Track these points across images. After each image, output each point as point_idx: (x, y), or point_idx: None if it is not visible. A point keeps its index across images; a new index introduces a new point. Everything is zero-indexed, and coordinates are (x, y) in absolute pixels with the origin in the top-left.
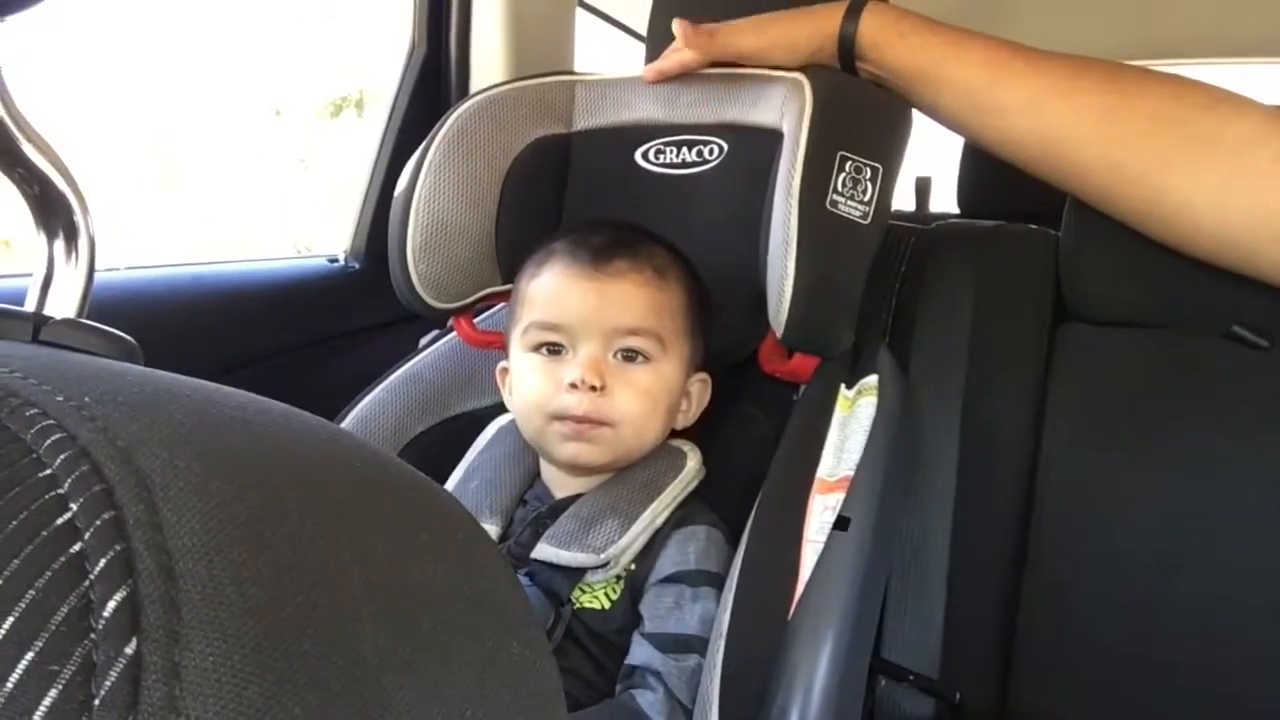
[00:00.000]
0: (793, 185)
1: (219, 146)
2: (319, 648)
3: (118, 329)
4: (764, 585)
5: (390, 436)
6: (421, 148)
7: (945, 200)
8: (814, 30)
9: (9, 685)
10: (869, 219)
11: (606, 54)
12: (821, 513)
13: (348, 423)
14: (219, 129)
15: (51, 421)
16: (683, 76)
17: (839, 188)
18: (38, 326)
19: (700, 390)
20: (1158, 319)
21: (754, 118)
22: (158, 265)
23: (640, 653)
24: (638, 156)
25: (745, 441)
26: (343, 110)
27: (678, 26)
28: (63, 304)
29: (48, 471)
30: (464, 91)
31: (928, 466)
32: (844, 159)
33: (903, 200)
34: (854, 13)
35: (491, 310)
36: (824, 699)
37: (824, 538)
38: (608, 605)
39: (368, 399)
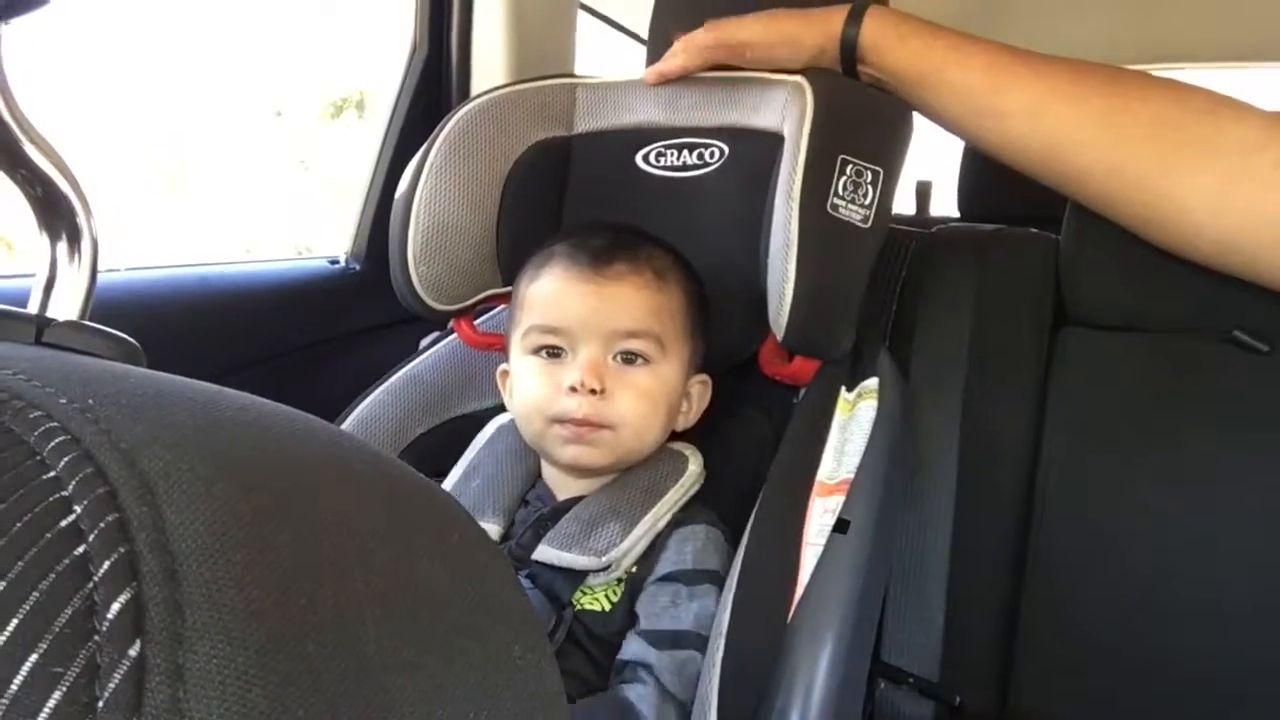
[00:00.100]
0: (794, 188)
1: (220, 148)
2: (322, 650)
3: (119, 330)
4: (764, 587)
5: (391, 438)
6: (422, 150)
7: (946, 204)
8: (818, 30)
9: (13, 687)
10: (870, 223)
11: (607, 57)
12: (821, 515)
13: (348, 424)
14: (220, 130)
15: (55, 424)
16: (684, 79)
17: (840, 191)
18: (40, 328)
19: (700, 392)
20: (1158, 323)
21: (755, 121)
22: (158, 266)
23: (632, 648)
24: (638, 159)
25: (745, 443)
26: (343, 111)
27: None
28: (65, 306)
29: (52, 474)
30: (465, 94)
31: (928, 470)
32: (845, 162)
33: (903, 204)
34: (856, 16)
35: (492, 312)
36: (824, 701)
37: (824, 540)
38: (608, 607)
39: (368, 400)
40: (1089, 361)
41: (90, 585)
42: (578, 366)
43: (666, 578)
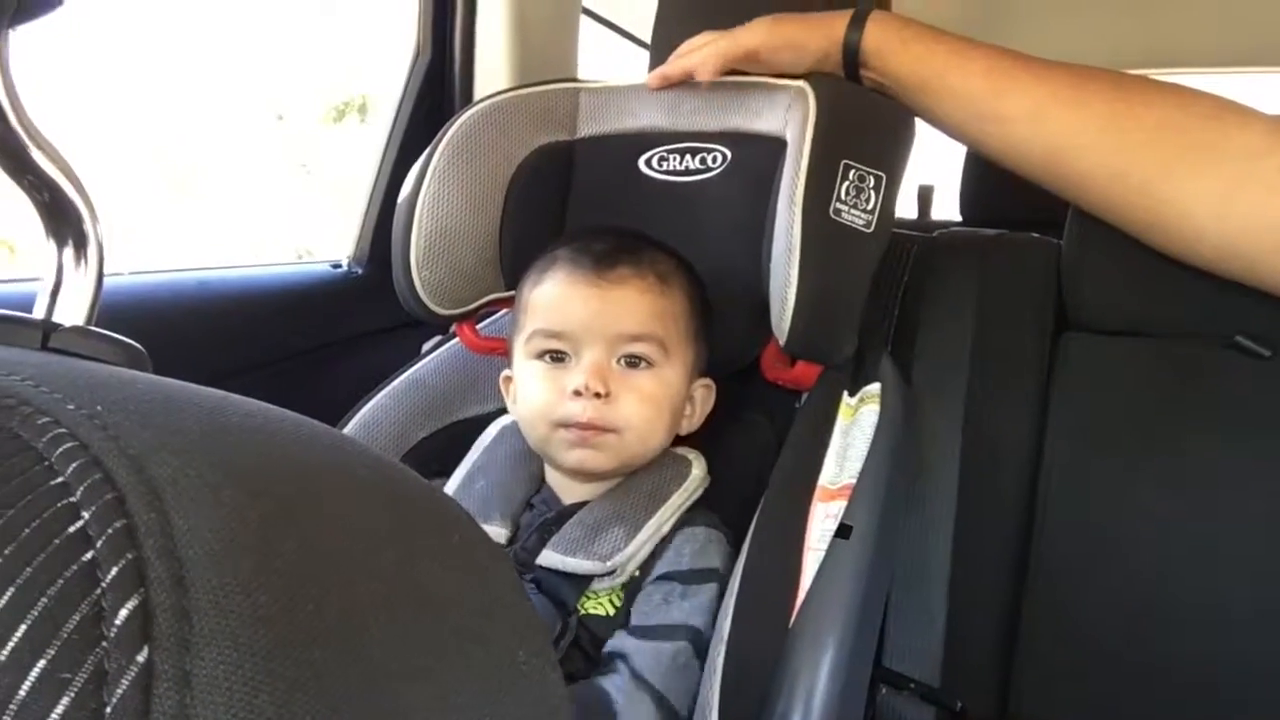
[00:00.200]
0: (796, 193)
1: (221, 152)
2: (329, 656)
3: (121, 334)
4: (765, 592)
5: (393, 442)
6: (426, 154)
7: (947, 208)
8: (820, 35)
9: (22, 693)
10: (872, 227)
11: (610, 61)
12: (823, 520)
13: (351, 428)
14: (222, 134)
15: (63, 430)
16: (687, 84)
17: (842, 196)
18: (47, 334)
19: (704, 396)
20: (1160, 328)
21: (757, 126)
22: (162, 270)
23: (613, 641)
24: (641, 164)
25: (748, 448)
26: (345, 115)
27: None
28: (72, 311)
29: (60, 479)
30: (468, 98)
31: (929, 474)
32: (847, 167)
33: (905, 208)
34: (859, 20)
35: (494, 316)
36: (825, 707)
37: (826, 545)
38: (612, 612)
39: (371, 404)
40: (1091, 366)
41: (98, 591)
42: (582, 370)
43: (663, 577)
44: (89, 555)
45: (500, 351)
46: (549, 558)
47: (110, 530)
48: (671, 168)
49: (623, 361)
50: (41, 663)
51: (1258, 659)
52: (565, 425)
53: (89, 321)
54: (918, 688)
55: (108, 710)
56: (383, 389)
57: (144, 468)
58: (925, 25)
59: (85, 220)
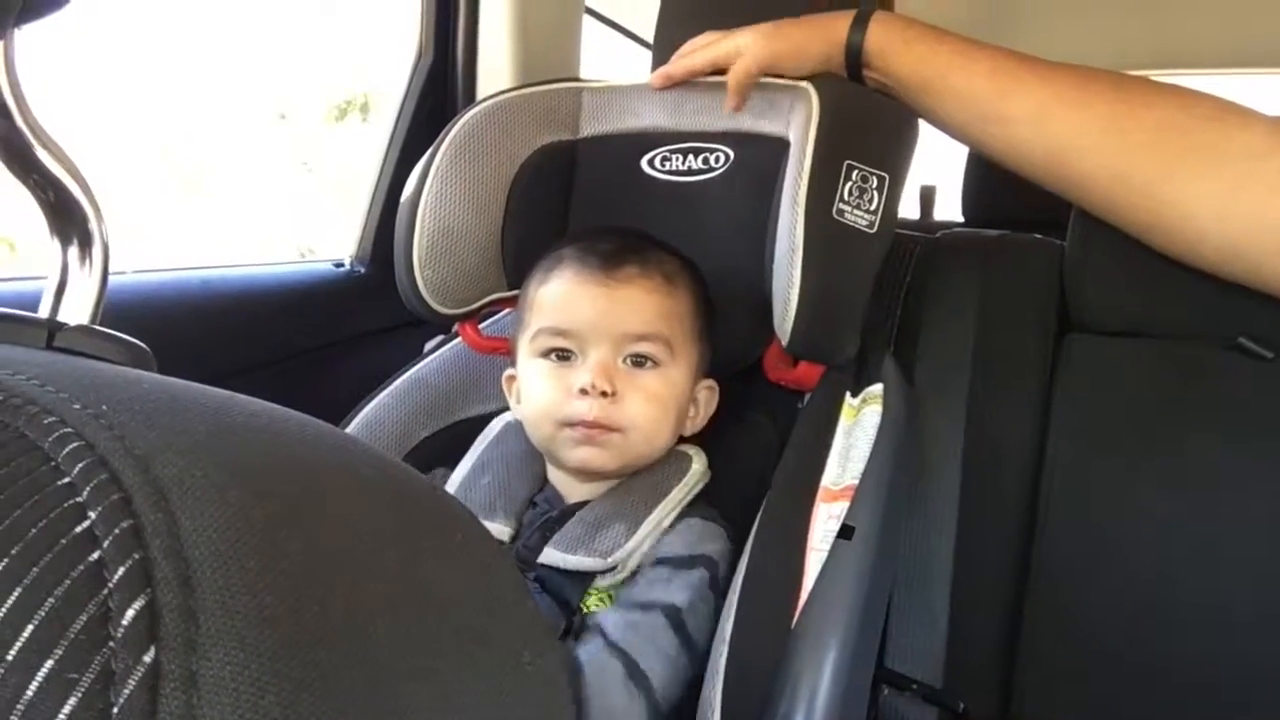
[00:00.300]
0: (799, 194)
1: (223, 150)
2: (335, 656)
3: (125, 333)
4: (768, 593)
5: (395, 441)
6: (428, 153)
7: (950, 209)
8: (822, 39)
9: (29, 693)
10: (875, 228)
11: (613, 61)
12: (826, 521)
13: (353, 427)
14: (223, 133)
15: (69, 429)
16: (690, 84)
17: (845, 197)
18: (52, 333)
19: (708, 397)
20: (1162, 329)
21: (760, 126)
22: (165, 269)
23: (596, 615)
24: (644, 163)
25: (750, 448)
26: (347, 114)
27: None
28: (77, 310)
29: (66, 479)
30: (470, 97)
31: (932, 475)
32: (850, 168)
33: (907, 209)
34: (861, 21)
35: (497, 316)
36: (827, 707)
37: (828, 546)
38: None
39: (373, 403)
40: (1094, 367)
41: (105, 591)
42: (588, 369)
43: (657, 562)
44: (96, 555)
45: (503, 351)
46: (550, 555)
47: (117, 530)
48: (674, 168)
49: (628, 361)
50: (49, 663)
51: (1259, 660)
52: (570, 424)
53: (94, 320)
54: (920, 688)
55: (114, 710)
56: (385, 388)
57: (150, 467)
58: (928, 26)
59: (90, 219)
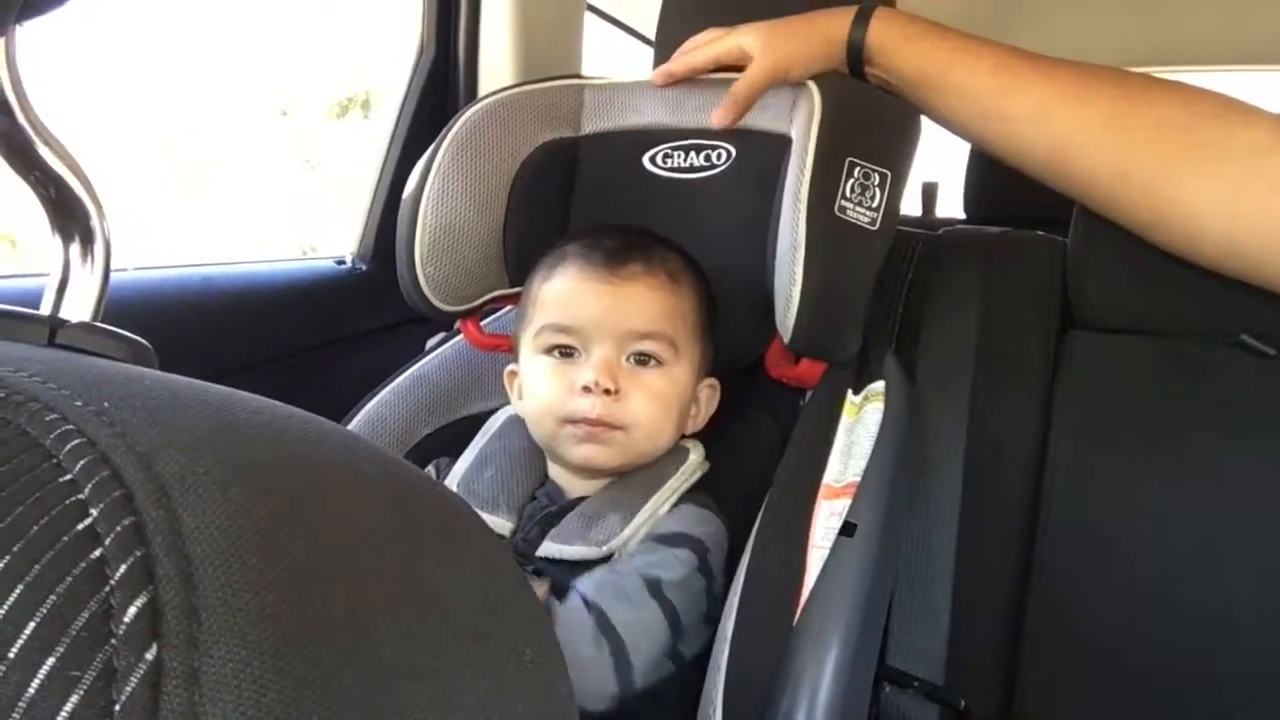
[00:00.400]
0: (801, 191)
1: (225, 147)
2: (336, 654)
3: (127, 330)
4: (769, 590)
5: (397, 438)
6: (430, 150)
7: (952, 206)
8: (823, 36)
9: (31, 690)
10: (877, 225)
11: (615, 58)
12: (828, 518)
13: (355, 424)
14: (225, 129)
15: (71, 426)
16: (692, 81)
17: (847, 194)
18: (54, 330)
19: (709, 396)
20: (1165, 326)
21: (762, 123)
22: (166, 266)
23: (577, 580)
24: (645, 160)
25: (752, 446)
26: (349, 111)
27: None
28: (78, 307)
29: (68, 477)
30: (472, 94)
31: (933, 473)
32: (852, 165)
33: (909, 206)
34: (863, 18)
35: (498, 313)
36: (829, 705)
37: (830, 543)
38: None
39: (375, 401)
40: (1096, 365)
41: (107, 589)
42: (591, 366)
43: (645, 538)
44: (97, 552)
45: (505, 348)
46: (548, 549)
47: (119, 527)
48: (676, 164)
49: (632, 359)
50: (50, 660)
51: (1261, 657)
52: (573, 421)
53: (95, 317)
54: (921, 686)
55: (117, 708)
56: (387, 385)
57: (152, 464)
58: (930, 22)
59: (92, 216)
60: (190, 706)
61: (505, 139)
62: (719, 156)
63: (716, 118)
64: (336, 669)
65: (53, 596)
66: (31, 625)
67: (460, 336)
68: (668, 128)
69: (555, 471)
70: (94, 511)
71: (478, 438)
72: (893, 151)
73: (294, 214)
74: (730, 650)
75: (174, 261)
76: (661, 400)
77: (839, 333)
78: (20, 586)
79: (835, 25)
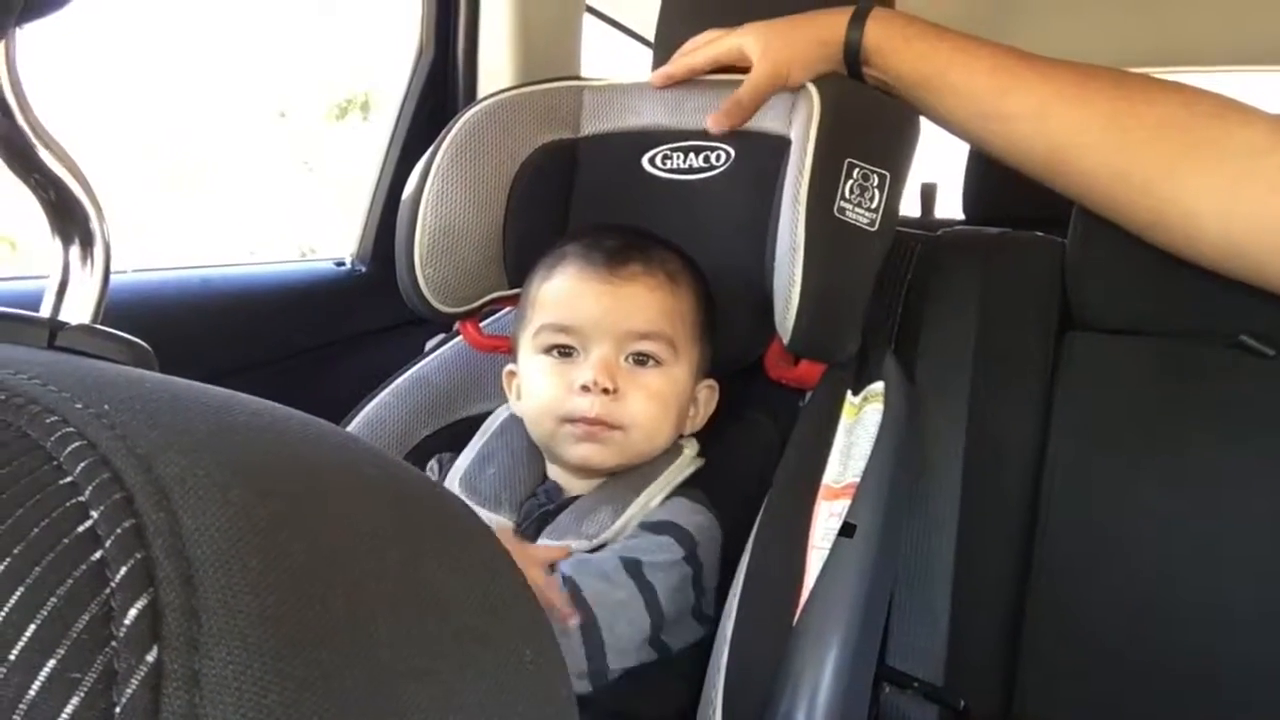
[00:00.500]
0: (800, 192)
1: (224, 149)
2: (336, 656)
3: (126, 332)
4: (769, 591)
5: (397, 440)
6: (429, 152)
7: (951, 207)
8: (821, 37)
9: (31, 692)
10: (876, 226)
11: (614, 59)
12: (827, 519)
13: (354, 426)
14: (224, 131)
15: (71, 429)
16: (691, 82)
17: (846, 195)
18: (54, 332)
19: (708, 397)
20: (1164, 327)
21: (761, 124)
22: (165, 268)
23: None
24: (645, 162)
25: (751, 447)
26: (348, 113)
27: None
28: (78, 309)
29: (68, 479)
30: (471, 96)
31: (933, 474)
32: (851, 166)
33: (908, 206)
34: (860, 18)
35: (498, 315)
36: (829, 706)
37: (829, 544)
38: None
39: (374, 402)
40: (1095, 365)
41: (107, 591)
42: (590, 366)
43: (635, 529)
44: (98, 555)
45: (504, 349)
46: (542, 545)
47: (119, 530)
48: (675, 166)
49: (631, 359)
50: (51, 662)
51: (1260, 658)
52: (572, 420)
53: (95, 320)
54: (921, 686)
55: (117, 710)
56: (386, 387)
57: (152, 467)
58: (927, 23)
59: (91, 218)
60: (191, 708)
61: (504, 140)
62: (718, 158)
63: (717, 122)
64: (337, 670)
65: (53, 599)
66: (32, 627)
67: (459, 338)
68: (667, 129)
69: (554, 471)
70: (94, 514)
71: (478, 435)
72: (892, 152)
73: (293, 215)
74: (730, 651)
75: (173, 263)
76: (660, 400)
77: (838, 334)
78: (21, 589)
79: (832, 26)
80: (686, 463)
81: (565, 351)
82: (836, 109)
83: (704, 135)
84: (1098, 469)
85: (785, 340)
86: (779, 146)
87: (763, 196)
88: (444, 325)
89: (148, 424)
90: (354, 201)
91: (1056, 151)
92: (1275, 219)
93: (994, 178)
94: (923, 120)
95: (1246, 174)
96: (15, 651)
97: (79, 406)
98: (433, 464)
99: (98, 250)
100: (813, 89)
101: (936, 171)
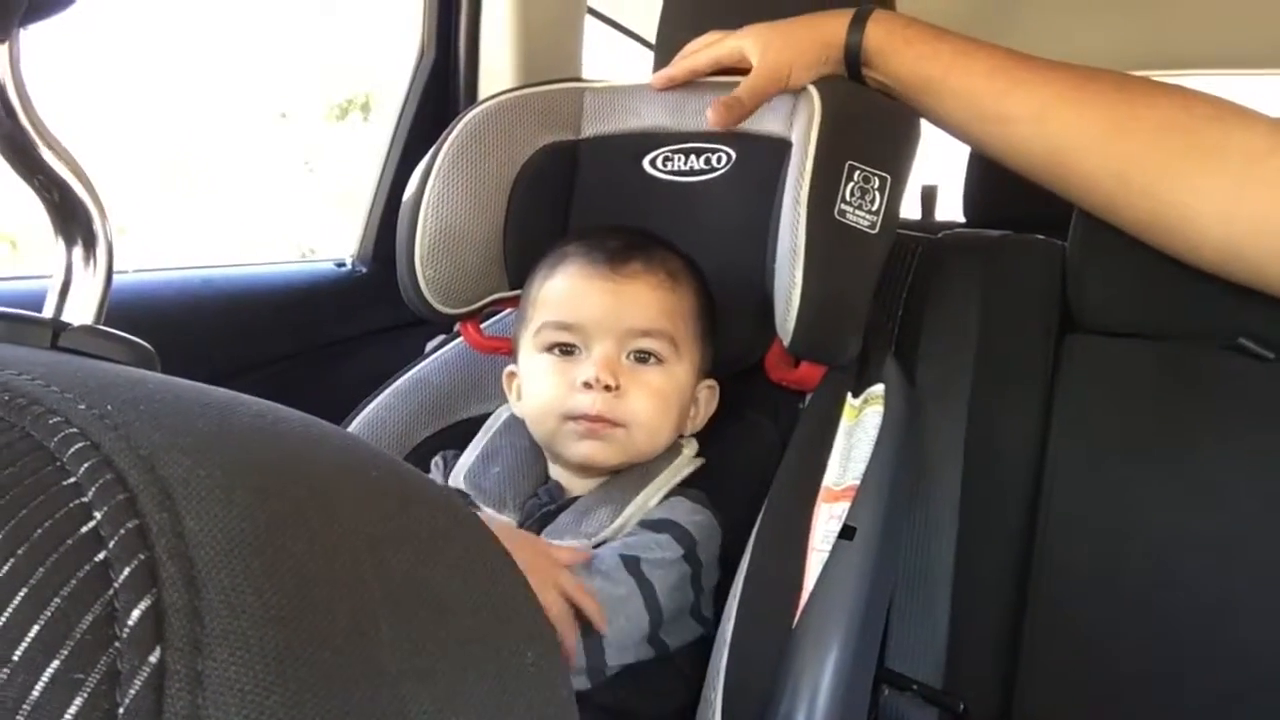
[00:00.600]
0: (801, 194)
1: (224, 149)
2: (339, 657)
3: (127, 332)
4: (769, 593)
5: (397, 441)
6: (430, 153)
7: (951, 209)
8: (821, 39)
9: (35, 693)
10: (877, 228)
11: (615, 61)
12: (827, 521)
13: (355, 427)
14: (224, 131)
15: (74, 430)
16: (692, 84)
17: (847, 197)
18: (57, 333)
19: (708, 397)
20: (1163, 330)
21: (762, 126)
22: (166, 268)
23: None
24: (645, 164)
25: (752, 448)
26: (349, 113)
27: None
28: (81, 310)
29: (72, 480)
30: (472, 97)
31: (933, 476)
32: (852, 168)
33: (909, 209)
34: (860, 20)
35: (498, 316)
36: (829, 707)
37: (829, 546)
38: None
39: (375, 403)
40: (1095, 368)
41: (111, 591)
42: (592, 363)
43: (633, 528)
44: (101, 556)
45: (505, 351)
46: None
47: (122, 531)
48: (676, 168)
49: (632, 357)
50: (55, 663)
51: (1260, 658)
52: (574, 417)
53: (98, 320)
54: (921, 688)
55: (120, 711)
56: (387, 388)
57: (155, 467)
58: (927, 25)
59: (94, 219)
60: (194, 709)
61: (505, 142)
62: (719, 160)
63: (715, 112)
64: (339, 671)
65: (57, 599)
66: (36, 628)
67: (460, 339)
68: (668, 131)
69: (555, 471)
70: (98, 515)
71: (481, 432)
72: (892, 155)
73: (293, 216)
74: (730, 652)
75: (174, 263)
76: (661, 398)
77: (839, 336)
78: (24, 589)
79: (833, 28)
80: (686, 462)
81: (567, 350)
82: (837, 111)
83: (705, 137)
84: (1097, 471)
85: (786, 342)
86: (780, 149)
87: (763, 199)
88: (444, 326)
89: (150, 424)
90: (355, 202)
91: (1056, 154)
92: (1275, 221)
93: (994, 180)
94: (923, 123)
95: (1247, 177)
96: (19, 652)
97: (82, 407)
98: (436, 460)
99: (100, 251)
100: (814, 91)
101: (937, 174)
